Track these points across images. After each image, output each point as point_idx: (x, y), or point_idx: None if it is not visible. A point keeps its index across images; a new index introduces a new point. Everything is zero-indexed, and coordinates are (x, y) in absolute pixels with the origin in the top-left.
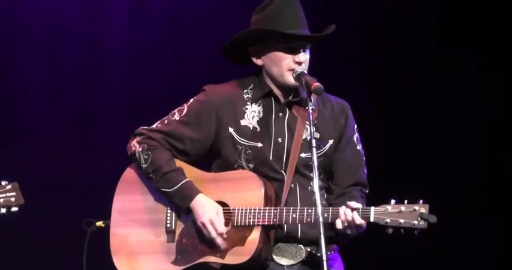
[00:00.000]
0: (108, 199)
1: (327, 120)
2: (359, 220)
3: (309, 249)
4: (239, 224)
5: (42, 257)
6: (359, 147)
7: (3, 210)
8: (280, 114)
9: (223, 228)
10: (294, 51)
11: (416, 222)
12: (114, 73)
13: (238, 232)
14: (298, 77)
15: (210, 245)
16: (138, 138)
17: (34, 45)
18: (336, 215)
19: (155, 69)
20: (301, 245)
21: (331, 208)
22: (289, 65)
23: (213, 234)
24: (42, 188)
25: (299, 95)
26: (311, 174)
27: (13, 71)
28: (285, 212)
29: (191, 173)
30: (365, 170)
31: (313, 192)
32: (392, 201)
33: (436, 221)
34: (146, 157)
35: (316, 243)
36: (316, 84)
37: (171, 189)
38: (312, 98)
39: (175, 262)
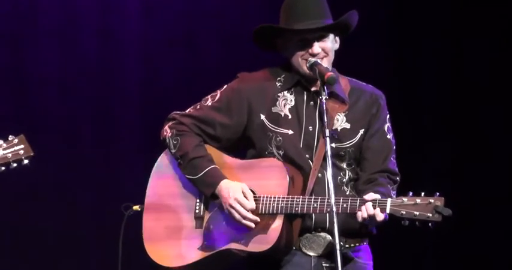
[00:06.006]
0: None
1: (359, 111)
2: (379, 216)
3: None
4: (263, 211)
5: (80, 237)
6: (389, 136)
7: (15, 165)
8: (312, 103)
9: (251, 205)
10: (308, 43)
11: (430, 215)
12: (129, 66)
13: (262, 220)
14: (312, 66)
15: (235, 232)
16: (170, 123)
17: (50, 38)
18: (355, 206)
19: (170, 63)
20: (329, 236)
21: (350, 199)
22: (305, 57)
23: (243, 212)
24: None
25: (328, 86)
26: (341, 165)
27: (29, 65)
28: (306, 201)
29: (220, 159)
30: (393, 159)
31: (343, 183)
32: (410, 193)
33: (450, 214)
34: (175, 142)
35: (344, 233)
36: (330, 74)
37: (196, 177)
38: (325, 87)
39: (201, 248)
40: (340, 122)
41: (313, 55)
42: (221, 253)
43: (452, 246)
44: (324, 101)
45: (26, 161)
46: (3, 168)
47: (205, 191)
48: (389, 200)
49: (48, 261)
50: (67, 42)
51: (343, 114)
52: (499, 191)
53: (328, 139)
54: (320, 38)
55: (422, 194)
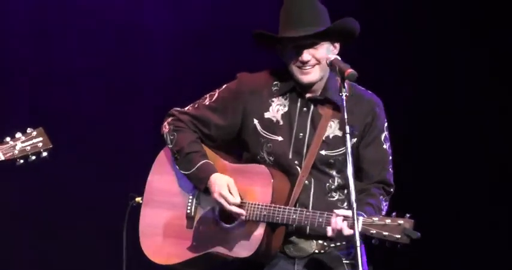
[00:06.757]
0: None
1: (354, 118)
2: (347, 231)
3: (320, 242)
4: (247, 218)
5: (81, 237)
6: (385, 146)
7: (33, 157)
8: (305, 109)
9: (234, 199)
10: (300, 50)
11: (399, 236)
12: (152, 61)
13: (245, 226)
14: (331, 63)
15: (221, 236)
16: (168, 120)
17: (76, 32)
18: (330, 221)
19: (191, 57)
20: (311, 239)
21: (326, 213)
22: (297, 64)
23: (227, 206)
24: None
25: (324, 93)
26: (331, 172)
27: (57, 57)
28: (287, 212)
29: (214, 161)
30: (390, 169)
31: (331, 190)
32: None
33: (419, 237)
34: (172, 138)
35: (326, 237)
36: (350, 70)
37: (189, 172)
38: (345, 84)
39: (190, 248)
40: (333, 129)
41: (303, 62)
42: (207, 255)
43: (451, 245)
44: (344, 97)
45: (44, 154)
46: (21, 161)
47: (198, 185)
48: (361, 218)
49: (48, 261)
50: (91, 36)
51: (336, 121)
52: (499, 191)
53: (348, 136)
54: (311, 45)
55: (393, 214)
